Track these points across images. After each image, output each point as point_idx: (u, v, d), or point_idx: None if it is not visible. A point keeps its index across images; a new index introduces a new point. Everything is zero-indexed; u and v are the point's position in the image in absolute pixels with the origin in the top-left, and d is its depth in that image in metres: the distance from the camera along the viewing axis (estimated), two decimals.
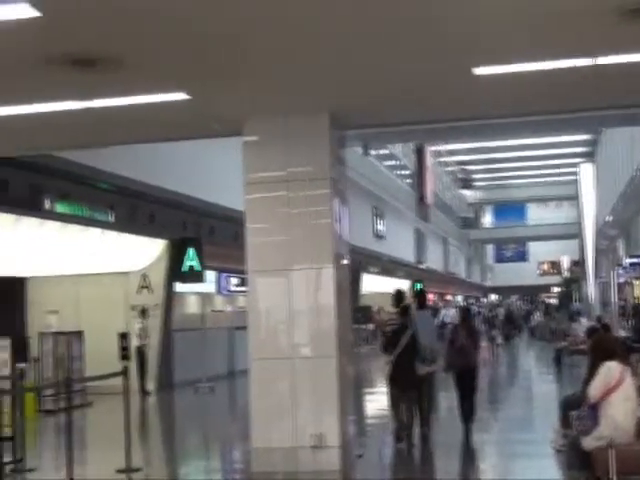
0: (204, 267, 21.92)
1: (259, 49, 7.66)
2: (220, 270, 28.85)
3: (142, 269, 21.70)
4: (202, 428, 16.01)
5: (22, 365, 13.67)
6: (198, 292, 28.11)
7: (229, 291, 31.16)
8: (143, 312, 21.01)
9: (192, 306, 29.18)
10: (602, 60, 8.27)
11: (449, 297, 69.04)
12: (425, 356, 12.33)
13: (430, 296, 48.30)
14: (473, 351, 13.07)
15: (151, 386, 21.00)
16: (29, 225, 16.60)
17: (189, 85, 8.77)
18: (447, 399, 14.36)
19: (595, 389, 8.02)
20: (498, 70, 8.57)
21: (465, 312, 14.60)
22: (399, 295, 13.11)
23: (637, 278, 51.08)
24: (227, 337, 25.56)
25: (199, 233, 21.74)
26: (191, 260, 21.45)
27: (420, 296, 13.83)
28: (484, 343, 21.37)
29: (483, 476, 10.59)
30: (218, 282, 30.15)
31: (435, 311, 33.45)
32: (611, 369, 7.94)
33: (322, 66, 8.34)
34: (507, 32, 7.39)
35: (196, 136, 12.19)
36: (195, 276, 21.86)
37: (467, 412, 12.86)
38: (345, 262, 10.72)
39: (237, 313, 27.47)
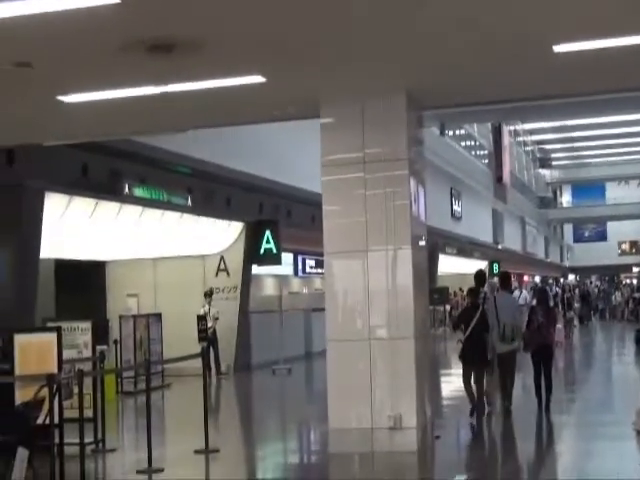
0: (281, 249, 21.99)
1: (336, 31, 7.63)
2: (297, 252, 28.93)
3: (219, 252, 21.84)
4: (279, 409, 16.09)
5: (103, 347, 13.84)
6: (275, 274, 28.23)
7: (306, 273, 31.25)
8: (209, 294, 20.94)
9: (269, 288, 29.33)
10: None
11: (526, 278, 68.24)
12: (506, 335, 12.64)
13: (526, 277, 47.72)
14: (549, 331, 13.52)
15: (223, 368, 21.11)
16: (108, 209, 16.82)
17: (265, 68, 8.79)
18: (526, 377, 14.22)
19: None
20: (578, 47, 8.41)
21: (542, 293, 14.92)
22: (480, 276, 13.67)
23: None
24: (304, 319, 25.62)
25: (276, 216, 21.80)
26: (268, 243, 21.53)
27: (503, 277, 14.17)
28: (560, 325, 21.08)
29: (562, 458, 10.45)
30: (295, 264, 30.25)
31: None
32: None
33: (399, 47, 8.28)
34: (587, 8, 7.25)
35: (272, 119, 12.22)
36: (272, 258, 21.95)
37: (544, 389, 13.22)
38: (422, 243, 10.67)
39: (314, 295, 27.56)
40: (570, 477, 9.30)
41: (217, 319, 20.51)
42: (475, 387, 12.64)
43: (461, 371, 12.90)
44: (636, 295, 43.70)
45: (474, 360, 12.59)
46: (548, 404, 13.13)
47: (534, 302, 16.54)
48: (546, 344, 13.38)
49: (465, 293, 13.79)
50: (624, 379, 17.03)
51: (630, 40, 8.31)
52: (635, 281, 66.21)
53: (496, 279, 14.77)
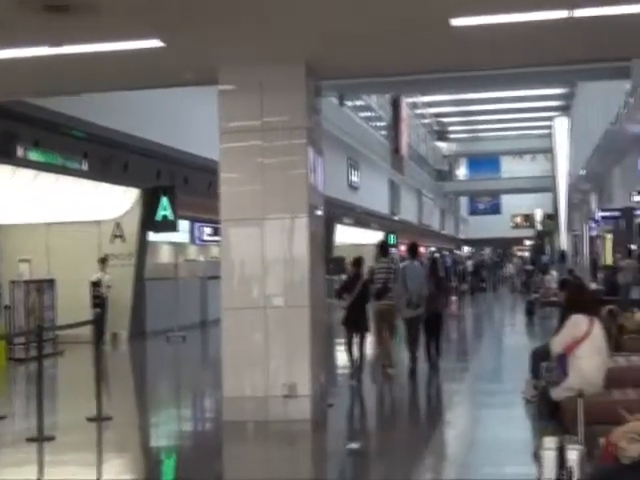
0: (178, 217, 21.84)
1: None
2: (194, 220, 28.80)
3: (115, 218, 21.59)
4: (173, 377, 16.06)
5: None
6: (171, 242, 28.07)
7: (203, 241, 31.15)
8: (103, 261, 20.73)
9: (165, 256, 29.16)
10: (578, 12, 8.24)
11: (422, 249, 69.20)
12: (412, 301, 13.90)
13: (422, 249, 48.24)
14: (439, 299, 14.91)
15: (124, 335, 20.94)
16: (1, 172, 16.43)
17: (163, 32, 8.67)
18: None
19: (558, 343, 8.11)
20: (475, 21, 8.52)
21: (432, 264, 16.21)
22: (383, 245, 14.74)
23: (609, 232, 51.42)
24: (200, 287, 25.57)
25: (173, 182, 21.62)
26: (165, 209, 21.34)
27: (411, 247, 15.24)
28: (454, 297, 21.63)
29: (452, 425, 10.69)
30: (192, 232, 30.12)
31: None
32: (578, 322, 7.98)
33: (297, 14, 8.25)
34: None
35: (171, 84, 12.07)
36: (168, 225, 21.79)
37: (433, 352, 14.57)
38: (319, 213, 10.72)
39: (210, 263, 27.50)
40: (460, 443, 9.53)
41: (109, 287, 20.31)
42: (358, 351, 13.53)
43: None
44: (527, 267, 44.84)
45: (356, 326, 13.48)
46: (437, 367, 14.33)
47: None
48: (436, 312, 14.61)
49: (351, 263, 14.72)
50: (515, 349, 17.45)
51: (526, 16, 8.45)
52: (527, 254, 67.88)
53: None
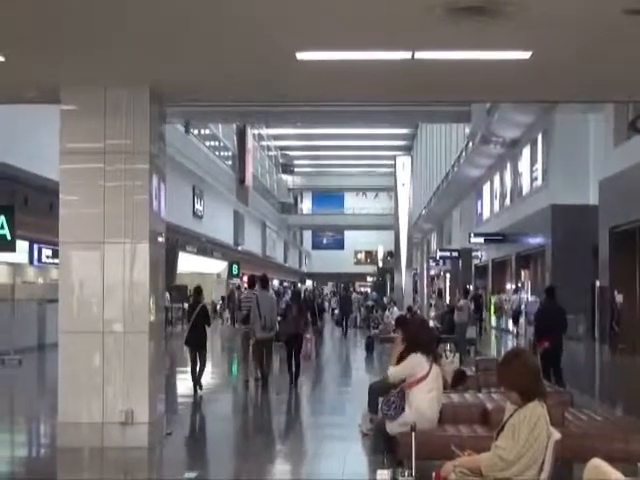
0: (15, 236, 21.24)
1: (76, 16, 7.47)
2: (33, 241, 28.15)
3: None
4: (7, 401, 15.58)
5: None
6: (9, 262, 27.36)
7: (42, 262, 30.42)
8: None
9: (1, 276, 28.39)
10: (420, 55, 8.54)
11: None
12: (267, 325, 16.04)
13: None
14: (300, 323, 17.19)
15: None
16: None
17: (3, 47, 8.46)
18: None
19: (397, 373, 8.39)
20: (320, 56, 8.70)
21: (296, 293, 20.20)
22: (250, 279, 18.19)
23: (447, 271, 52.95)
24: (38, 309, 24.94)
25: (12, 201, 21.07)
26: (2, 229, 20.71)
27: (263, 279, 17.27)
28: (309, 335, 22.09)
29: (290, 457, 10.75)
30: (30, 253, 29.38)
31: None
32: (421, 362, 8.31)
33: (142, 38, 8.23)
34: (328, 18, 7.48)
35: (12, 101, 11.82)
36: (6, 245, 21.13)
37: (294, 369, 16.54)
38: (161, 239, 10.68)
39: (50, 285, 26.89)
40: (295, 477, 9.61)
41: None
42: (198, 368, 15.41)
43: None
44: (368, 303, 45.60)
45: (195, 345, 15.58)
46: (297, 380, 16.44)
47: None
48: (297, 333, 16.80)
49: (192, 291, 17.45)
50: (354, 384, 17.72)
51: (370, 55, 8.69)
52: (369, 290, 68.97)
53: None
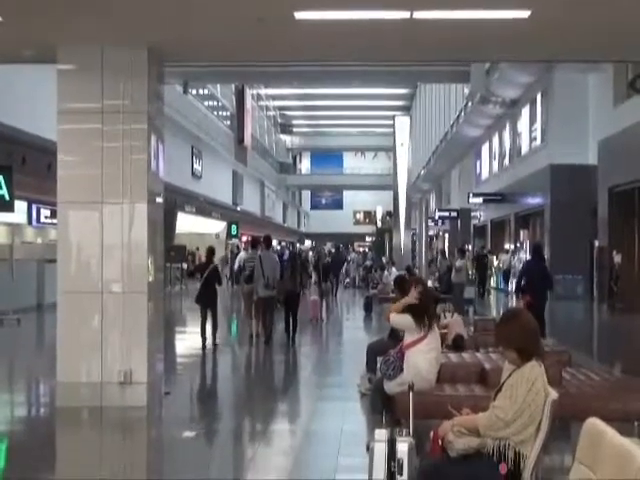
0: (14, 197, 21.21)
1: None
2: (32, 201, 28.11)
3: None
4: (6, 361, 15.63)
5: None
6: (7, 222, 27.35)
7: (40, 223, 30.42)
8: None
9: (0, 236, 28.39)
10: (419, 14, 8.48)
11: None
12: (269, 284, 16.64)
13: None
14: (295, 282, 17.78)
15: None
16: None
17: (2, 7, 8.41)
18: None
19: (397, 319, 8.49)
20: (318, 16, 8.66)
21: (294, 256, 19.95)
22: (253, 240, 19.21)
23: (446, 231, 52.85)
24: (37, 269, 24.96)
25: (10, 162, 21.01)
26: (0, 189, 20.69)
27: (267, 239, 17.77)
28: (315, 296, 22.41)
29: (286, 418, 10.79)
30: (29, 213, 29.36)
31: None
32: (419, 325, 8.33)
33: None
34: None
35: (9, 61, 11.74)
36: (4, 206, 21.11)
37: (291, 325, 17.23)
38: (159, 200, 10.65)
39: (48, 245, 26.89)
40: (295, 435, 9.66)
41: None
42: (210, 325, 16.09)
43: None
44: (367, 263, 45.56)
45: (207, 302, 16.23)
46: (294, 338, 17.15)
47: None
48: (294, 291, 17.46)
49: (206, 251, 17.81)
50: (353, 343, 17.76)
51: (368, 14, 8.65)
52: (367, 249, 69.05)
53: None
